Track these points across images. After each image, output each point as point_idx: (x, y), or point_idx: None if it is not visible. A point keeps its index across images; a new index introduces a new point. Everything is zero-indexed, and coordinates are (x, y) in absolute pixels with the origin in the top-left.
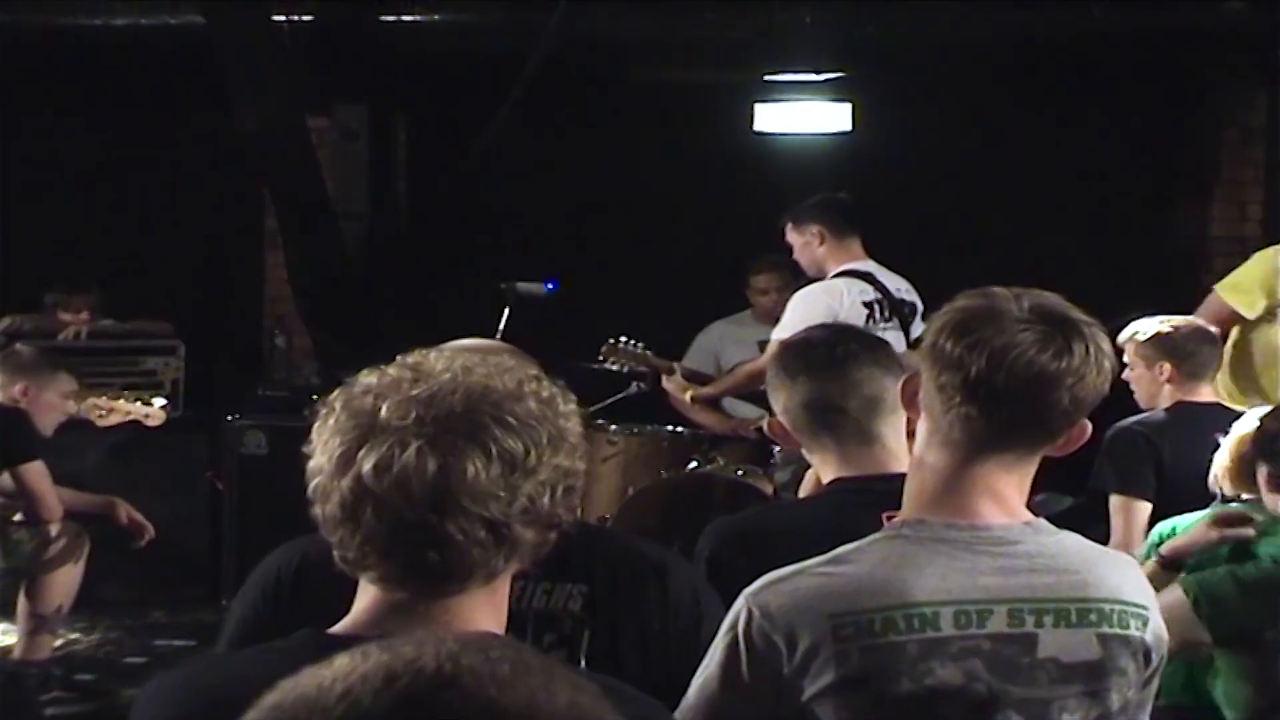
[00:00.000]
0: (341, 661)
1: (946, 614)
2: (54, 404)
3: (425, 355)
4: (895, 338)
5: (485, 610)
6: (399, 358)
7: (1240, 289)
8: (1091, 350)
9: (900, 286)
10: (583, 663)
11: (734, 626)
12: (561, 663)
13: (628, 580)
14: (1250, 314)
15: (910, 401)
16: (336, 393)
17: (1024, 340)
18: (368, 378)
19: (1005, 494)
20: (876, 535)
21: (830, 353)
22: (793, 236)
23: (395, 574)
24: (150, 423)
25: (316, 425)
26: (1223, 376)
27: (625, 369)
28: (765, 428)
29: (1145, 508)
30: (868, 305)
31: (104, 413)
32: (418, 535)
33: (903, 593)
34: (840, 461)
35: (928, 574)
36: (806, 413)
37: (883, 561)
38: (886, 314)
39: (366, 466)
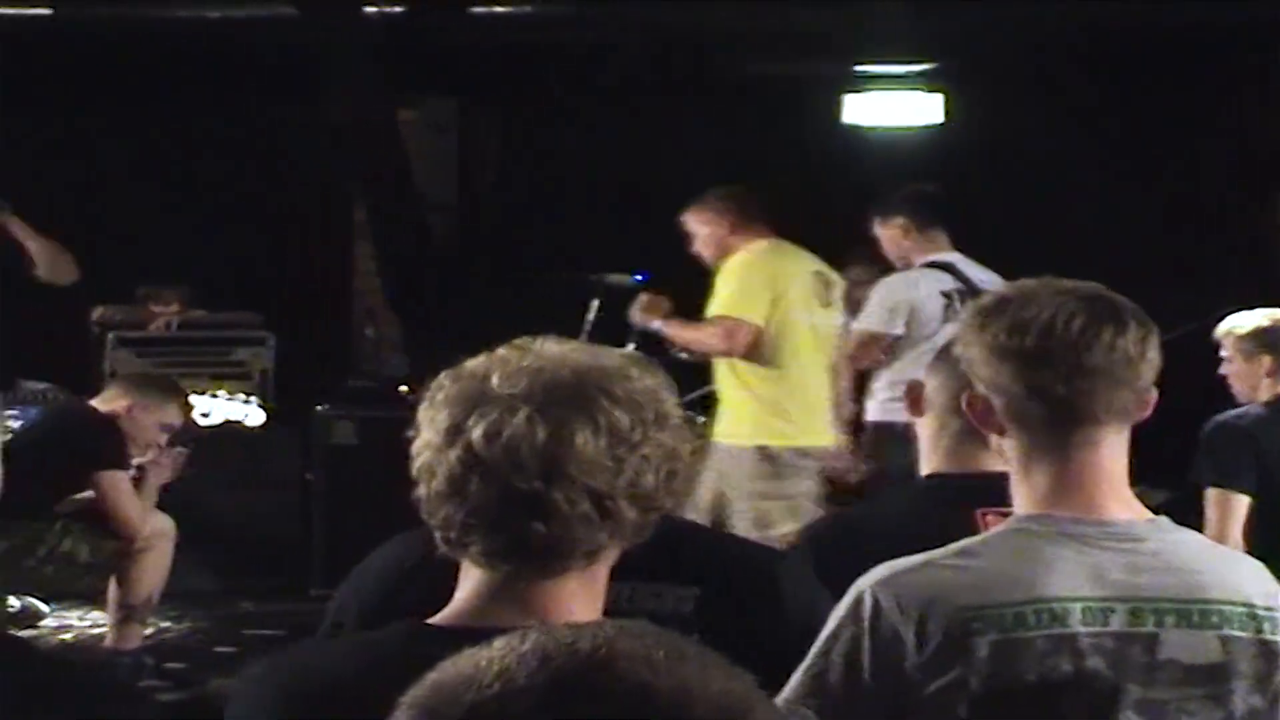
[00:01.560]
0: (499, 643)
1: (1075, 610)
2: (150, 434)
3: (532, 339)
4: None
5: (584, 597)
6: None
7: (742, 303)
8: (1135, 310)
9: (985, 279)
10: None
11: (857, 617)
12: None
13: (739, 582)
14: (763, 320)
15: (985, 419)
16: (444, 373)
17: (1085, 318)
18: (475, 360)
19: (1122, 484)
20: (1003, 528)
21: None
22: (879, 229)
23: (500, 548)
24: (250, 422)
25: (423, 405)
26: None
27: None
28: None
29: (1244, 501)
30: (946, 295)
31: (206, 414)
32: (525, 505)
33: (1033, 588)
34: (948, 455)
35: (1057, 569)
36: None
37: (1013, 556)
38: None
39: (476, 434)
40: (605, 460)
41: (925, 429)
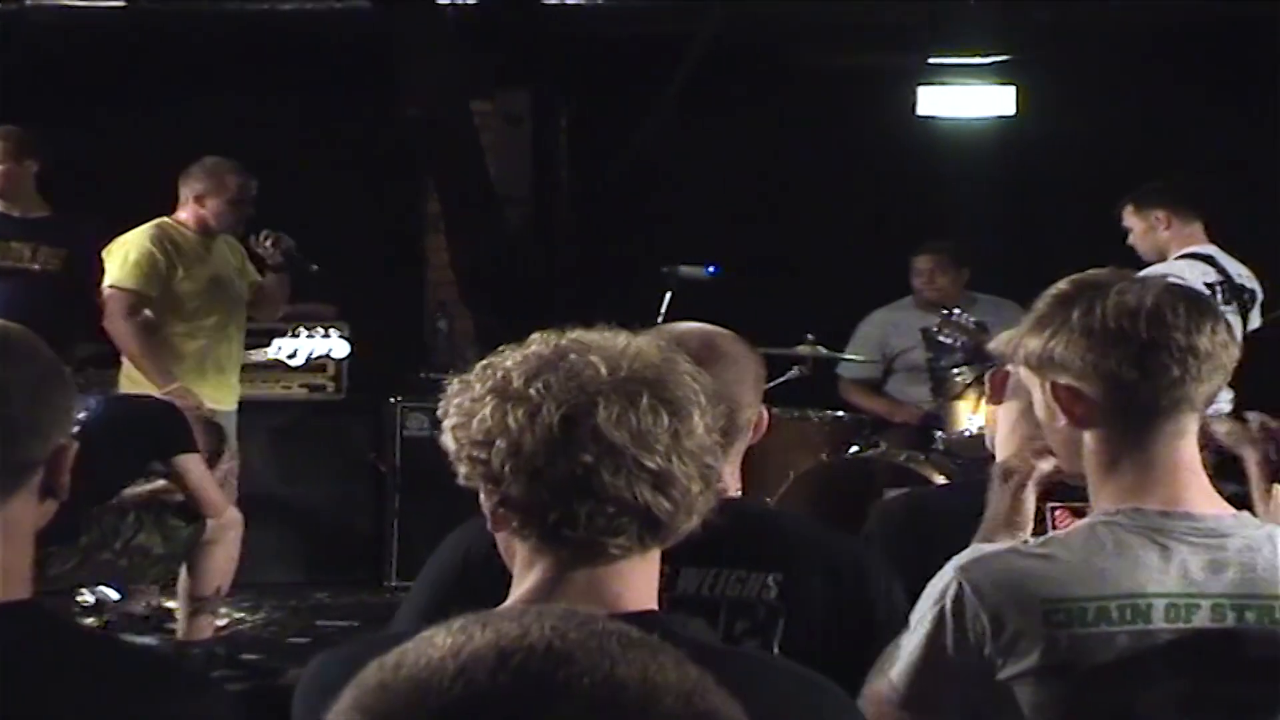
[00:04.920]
0: (442, 640)
1: (1159, 606)
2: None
3: (561, 332)
4: (1234, 322)
5: (648, 577)
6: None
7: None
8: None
9: (1240, 272)
10: (776, 650)
11: (942, 598)
12: (660, 640)
13: (822, 569)
14: (154, 290)
15: (1072, 410)
16: (483, 376)
17: (1186, 304)
18: (518, 359)
19: (1202, 474)
20: (1089, 520)
21: None
22: (1133, 220)
23: (627, 531)
24: (335, 355)
25: (491, 407)
26: None
27: (957, 342)
28: (986, 380)
29: None
30: (1209, 287)
31: (292, 354)
32: (655, 485)
33: (1118, 582)
34: (1024, 444)
35: (1143, 565)
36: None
37: (1099, 549)
38: (1226, 297)
39: (605, 425)
40: (712, 435)
41: (1004, 417)
